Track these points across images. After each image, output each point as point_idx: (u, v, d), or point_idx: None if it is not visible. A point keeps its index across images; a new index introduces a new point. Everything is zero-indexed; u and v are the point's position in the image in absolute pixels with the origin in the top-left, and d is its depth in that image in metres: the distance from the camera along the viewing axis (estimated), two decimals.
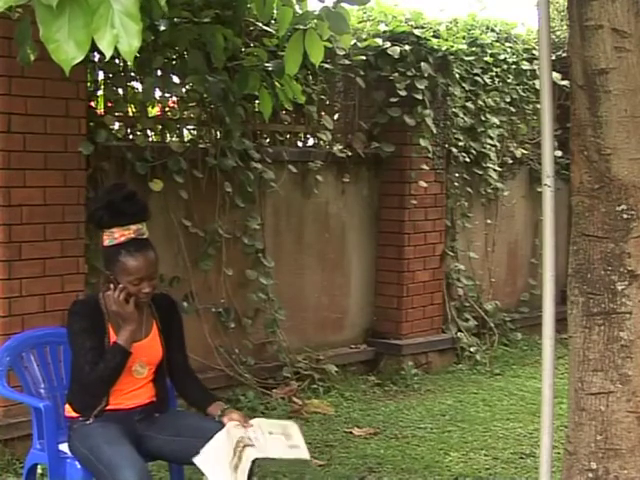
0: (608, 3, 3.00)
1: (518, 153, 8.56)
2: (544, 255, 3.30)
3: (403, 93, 7.11)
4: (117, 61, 5.55)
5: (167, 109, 6.21)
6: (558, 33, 8.77)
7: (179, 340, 3.96)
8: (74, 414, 3.79)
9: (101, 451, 3.58)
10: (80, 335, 3.71)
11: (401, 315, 7.39)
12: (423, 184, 7.35)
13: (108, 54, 2.42)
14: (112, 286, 3.73)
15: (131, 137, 5.93)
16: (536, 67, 8.17)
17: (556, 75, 7.36)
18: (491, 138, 8.12)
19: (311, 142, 7.15)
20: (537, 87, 7.76)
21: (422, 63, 7.17)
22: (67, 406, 3.85)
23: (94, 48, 2.46)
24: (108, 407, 3.76)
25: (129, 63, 3.18)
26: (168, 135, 6.20)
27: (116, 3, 2.37)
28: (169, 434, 3.78)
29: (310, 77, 6.80)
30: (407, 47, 7.12)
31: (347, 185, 7.23)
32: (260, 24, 6.08)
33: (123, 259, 3.69)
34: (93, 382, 3.69)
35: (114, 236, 3.72)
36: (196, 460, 3.55)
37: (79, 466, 3.73)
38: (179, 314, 4.02)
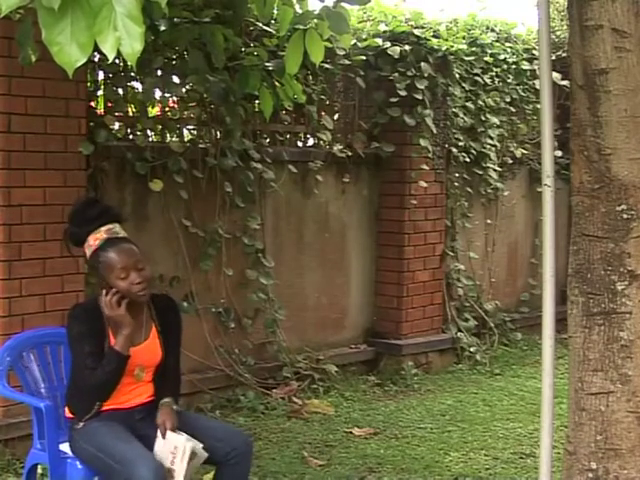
0: (608, 3, 3.00)
1: (518, 153, 8.55)
2: (544, 255, 3.29)
3: (403, 93, 7.11)
4: (117, 61, 5.55)
5: (167, 109, 6.20)
6: (558, 33, 8.77)
7: (174, 341, 3.94)
8: None
9: (114, 447, 3.58)
10: (79, 340, 3.71)
11: (401, 315, 7.39)
12: (423, 184, 7.34)
13: (111, 57, 2.41)
14: (104, 291, 3.73)
15: (131, 137, 5.93)
16: (536, 67, 8.16)
17: (556, 75, 7.36)
18: (491, 138, 8.12)
19: (311, 142, 7.15)
20: (537, 87, 7.75)
21: (422, 63, 7.17)
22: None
23: (94, 48, 2.45)
24: (109, 407, 3.75)
25: (130, 64, 3.18)
26: (168, 135, 6.21)
27: (118, 5, 2.36)
28: None
29: (310, 77, 6.80)
30: (407, 47, 7.12)
31: (347, 185, 7.23)
32: (260, 24, 6.07)
33: (103, 258, 3.72)
34: (91, 387, 3.69)
35: (89, 243, 3.77)
36: None
37: (80, 466, 3.73)
38: (179, 316, 4.00)
